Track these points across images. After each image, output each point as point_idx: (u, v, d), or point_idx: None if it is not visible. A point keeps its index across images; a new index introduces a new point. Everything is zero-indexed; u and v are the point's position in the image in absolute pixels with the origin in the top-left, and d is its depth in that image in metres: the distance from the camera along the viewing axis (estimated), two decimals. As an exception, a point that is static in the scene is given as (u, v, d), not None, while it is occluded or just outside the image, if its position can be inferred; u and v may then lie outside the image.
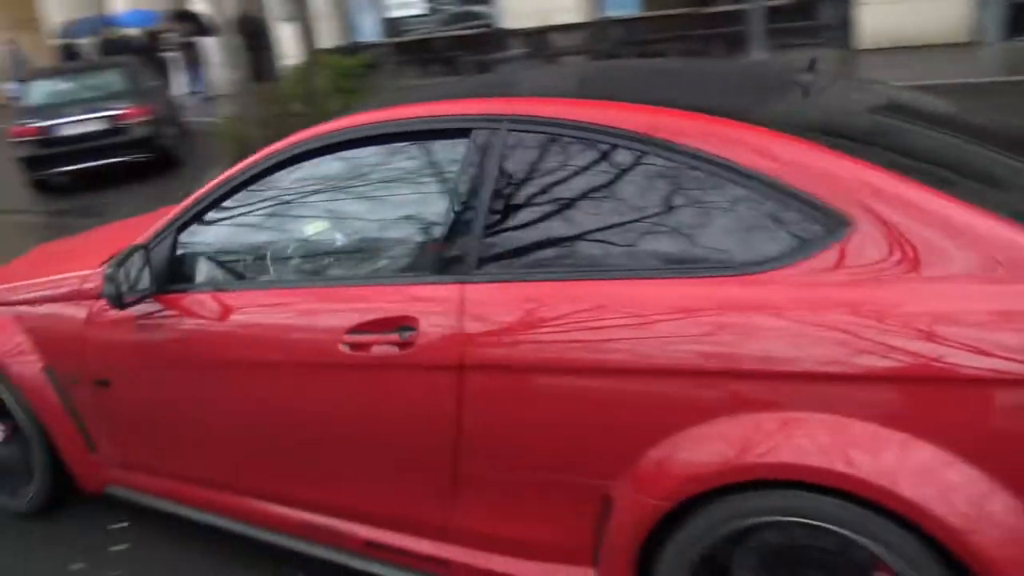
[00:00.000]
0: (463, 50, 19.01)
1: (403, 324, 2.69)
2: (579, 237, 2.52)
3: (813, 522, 2.18)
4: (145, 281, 3.18)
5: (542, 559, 2.63)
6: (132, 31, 22.66)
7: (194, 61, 22.29)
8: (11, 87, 28.37)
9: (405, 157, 2.89)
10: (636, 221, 2.46)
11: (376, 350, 2.72)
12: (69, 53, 22.40)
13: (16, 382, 3.78)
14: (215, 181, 3.20)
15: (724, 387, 2.24)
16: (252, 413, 3.07)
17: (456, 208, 2.69)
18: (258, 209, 3.15)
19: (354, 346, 2.75)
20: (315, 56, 12.84)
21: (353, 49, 18.34)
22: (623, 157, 2.51)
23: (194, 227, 3.25)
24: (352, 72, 14.17)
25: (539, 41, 18.53)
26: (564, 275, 2.50)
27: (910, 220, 2.17)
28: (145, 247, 3.22)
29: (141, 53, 21.87)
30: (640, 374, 2.34)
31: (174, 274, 3.24)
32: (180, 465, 3.42)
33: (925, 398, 2.07)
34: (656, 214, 2.44)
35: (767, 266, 2.29)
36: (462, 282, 2.63)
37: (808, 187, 2.28)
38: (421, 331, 2.65)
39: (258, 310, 3.00)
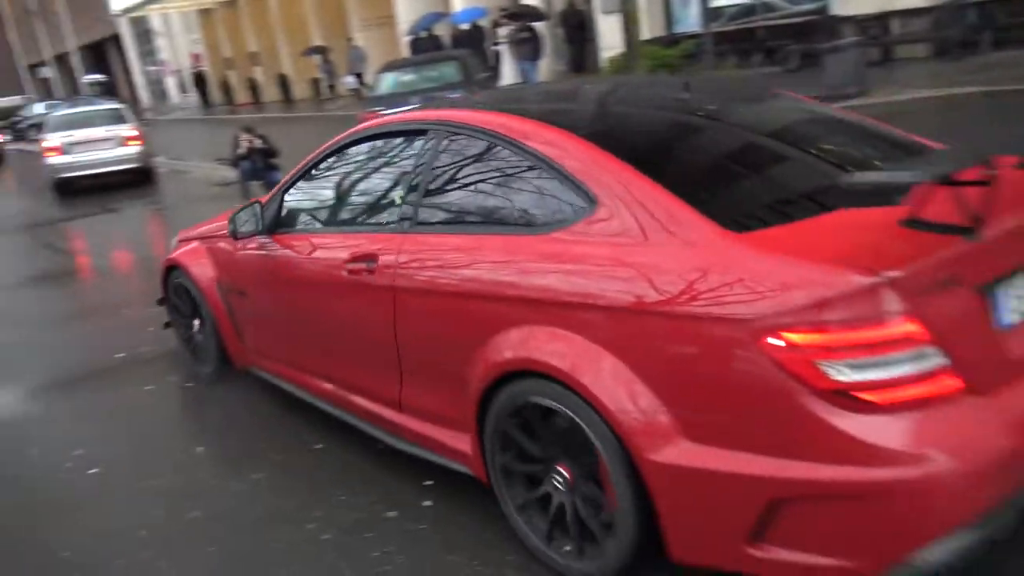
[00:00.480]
0: (790, 39, 18.35)
1: (370, 258, 4.13)
2: (459, 204, 3.86)
3: (551, 403, 3.35)
4: (253, 225, 4.95)
5: (448, 428, 3.91)
6: (465, 26, 23.63)
7: (525, 53, 22.95)
8: (349, 80, 30.49)
9: (391, 149, 4.37)
10: (492, 194, 3.73)
11: (357, 275, 4.18)
12: (417, 47, 23.64)
13: (202, 288, 5.73)
14: (303, 163, 4.85)
15: (518, 308, 3.43)
16: (304, 312, 4.65)
17: (409, 184, 4.11)
18: (316, 180, 4.82)
19: (348, 272, 4.24)
20: (635, 47, 12.87)
21: (673, 40, 18.17)
22: (489, 150, 3.80)
23: (292, 190, 4.92)
24: (671, 62, 14.10)
25: (877, 28, 17.52)
26: (449, 229, 3.84)
27: (638, 204, 3.23)
28: (259, 202, 5.04)
29: (475, 46, 22.82)
30: (476, 297, 3.59)
31: (280, 221, 4.92)
32: (274, 351, 5.19)
33: (617, 323, 3.14)
34: (504, 189, 3.70)
35: (553, 227, 3.45)
36: (403, 232, 4.05)
37: (579, 175, 3.42)
38: (378, 263, 4.08)
39: (307, 246, 4.61)
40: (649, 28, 19.94)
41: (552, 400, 3.35)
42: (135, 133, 18.14)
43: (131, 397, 6.06)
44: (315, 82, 35.15)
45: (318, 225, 4.69)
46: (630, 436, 3.13)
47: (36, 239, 12.98)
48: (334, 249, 4.40)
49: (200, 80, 41.48)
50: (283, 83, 37.31)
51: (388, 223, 4.16)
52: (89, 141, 17.77)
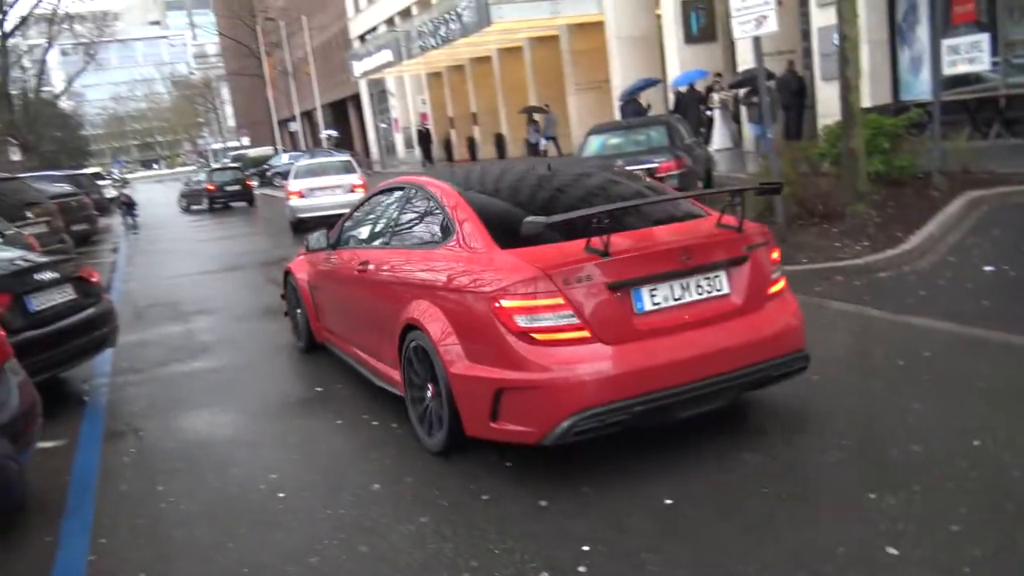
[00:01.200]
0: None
1: (365, 263, 6.89)
2: (404, 231, 6.59)
3: (421, 342, 5.85)
4: (323, 242, 7.94)
5: (393, 367, 6.45)
6: (682, 88, 23.61)
7: (744, 116, 22.65)
8: (543, 141, 30.97)
9: (388, 198, 7.19)
10: (417, 225, 6.44)
11: (361, 273, 6.91)
12: (627, 111, 23.81)
13: (299, 286, 8.64)
14: (356, 204, 7.85)
15: (413, 290, 5.99)
16: (342, 299, 7.50)
17: (388, 219, 6.97)
18: (357, 216, 7.69)
19: (358, 271, 6.99)
20: (855, 115, 12.44)
21: (900, 108, 17.30)
22: (424, 200, 6.48)
23: (347, 222, 7.79)
24: (893, 132, 13.54)
25: None
26: (397, 246, 6.55)
27: (465, 232, 5.81)
28: (327, 228, 8.33)
29: (689, 109, 22.75)
30: (400, 284, 6.19)
31: (337, 241, 7.76)
32: (330, 326, 8.03)
33: (442, 296, 5.70)
34: (425, 223, 6.33)
35: (436, 245, 6.03)
36: (377, 248, 6.85)
37: (450, 216, 6.02)
38: (368, 267, 6.81)
39: (344, 256, 7.45)
40: (872, 95, 19.27)
41: (421, 342, 5.89)
42: (360, 181, 20.51)
43: (324, 429, 6.49)
44: (528, 142, 36.01)
45: (351, 244, 7.55)
46: (445, 359, 5.63)
47: (266, 275, 14.01)
48: (355, 259, 7.21)
49: (424, 137, 43.08)
50: (499, 142, 38.37)
51: (375, 243, 7.06)
52: (323, 188, 20.37)
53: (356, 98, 59.14)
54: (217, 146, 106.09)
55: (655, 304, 5.47)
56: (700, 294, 5.63)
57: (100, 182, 39.68)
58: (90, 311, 7.98)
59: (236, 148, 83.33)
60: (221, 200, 33.40)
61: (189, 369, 8.53)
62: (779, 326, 5.77)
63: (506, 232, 5.67)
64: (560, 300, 5.25)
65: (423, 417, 6.06)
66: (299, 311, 8.79)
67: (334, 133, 55.16)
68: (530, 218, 5.40)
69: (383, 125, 55.63)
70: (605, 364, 5.22)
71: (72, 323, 7.70)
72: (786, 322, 5.83)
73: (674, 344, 5.40)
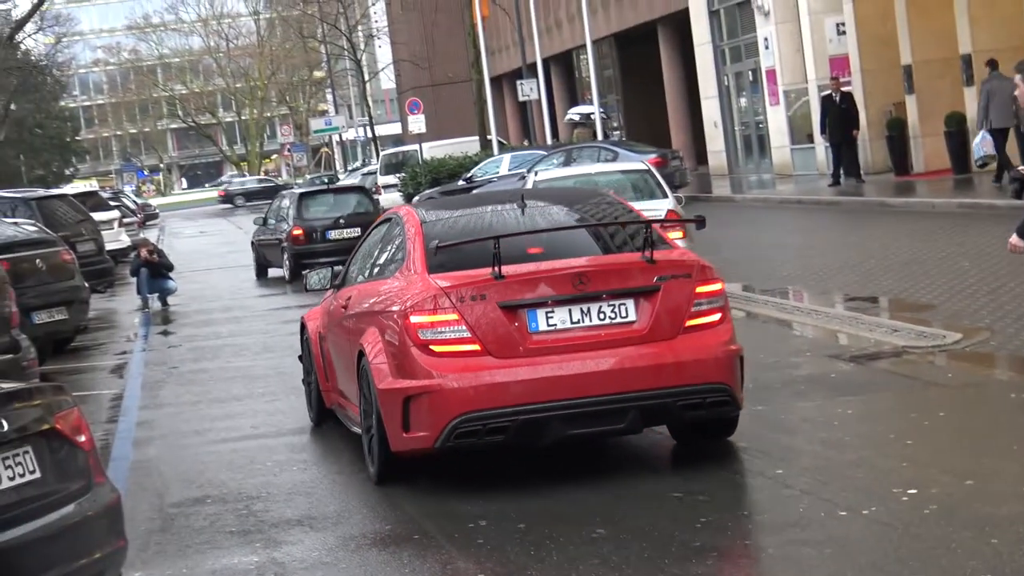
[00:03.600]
0: None
1: (348, 298, 7.48)
2: (374, 263, 7.56)
3: (364, 366, 6.73)
4: (326, 282, 8.36)
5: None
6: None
7: None
8: None
9: (383, 230, 7.75)
10: (384, 257, 7.35)
11: (343, 311, 7.49)
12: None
13: (311, 339, 8.57)
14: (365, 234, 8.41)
15: (365, 319, 6.89)
16: (335, 346, 7.82)
17: (374, 252, 7.70)
18: (360, 249, 8.16)
19: (342, 309, 7.53)
20: None
21: None
22: (394, 231, 7.35)
23: (354, 255, 8.18)
24: None
25: None
26: (367, 279, 7.43)
27: (410, 260, 6.74)
28: (332, 267, 9.05)
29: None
30: (357, 316, 7.10)
31: (344, 278, 8.02)
32: (341, 385, 7.79)
33: (379, 321, 6.66)
34: (388, 252, 7.28)
35: (391, 275, 6.94)
36: (360, 283, 7.57)
37: (408, 245, 6.89)
38: (350, 301, 7.42)
39: (341, 297, 7.72)
40: None
41: (365, 365, 6.69)
42: (673, 207, 13.45)
43: None
44: None
45: (349, 281, 7.85)
46: (375, 376, 6.46)
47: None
48: (344, 298, 7.61)
49: (842, 114, 23.91)
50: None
51: (359, 278, 7.65)
52: None
53: (669, 26, 35.39)
54: (351, 134, 70.77)
55: (551, 325, 6.22)
56: (603, 319, 6.25)
57: (102, 216, 24.52)
58: (66, 513, 4.10)
59: (396, 142, 55.97)
60: (320, 259, 17.83)
61: None
62: (690, 356, 6.19)
63: (445, 258, 6.53)
64: (455, 316, 6.17)
65: (370, 446, 6.69)
66: (313, 374, 8.43)
67: (591, 110, 33.55)
68: (432, 243, 6.62)
69: (738, 90, 32.28)
70: (489, 374, 6.09)
71: (26, 539, 3.86)
72: (702, 354, 6.20)
73: (564, 362, 6.11)
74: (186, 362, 12.76)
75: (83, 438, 4.35)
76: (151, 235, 32.42)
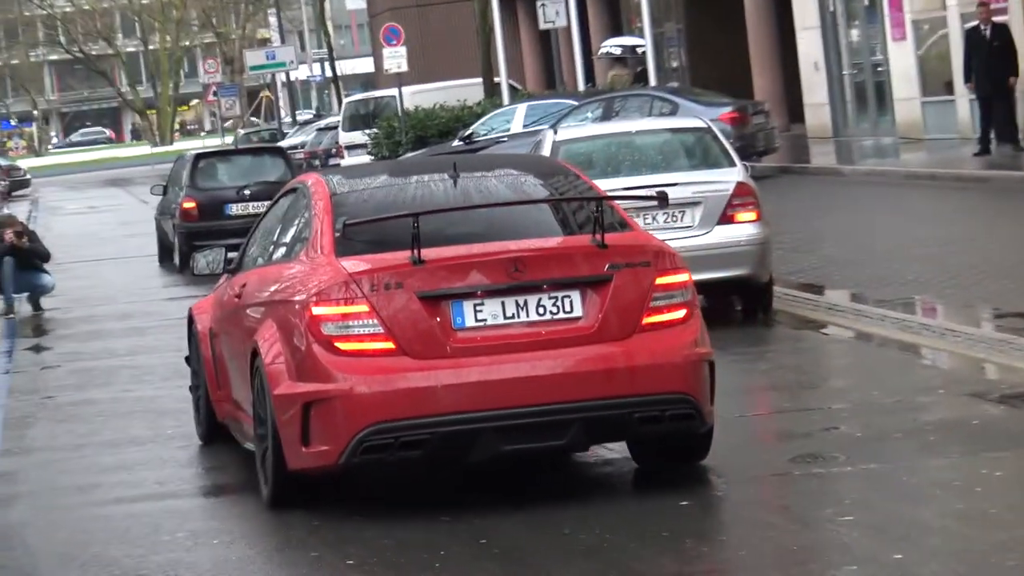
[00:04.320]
0: None
1: (243, 286, 8.58)
2: (274, 243, 8.59)
3: (259, 368, 7.71)
4: (217, 265, 9.62)
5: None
6: None
7: None
8: None
9: (286, 203, 8.79)
10: (287, 235, 8.38)
11: (236, 301, 8.56)
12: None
13: (199, 337, 9.62)
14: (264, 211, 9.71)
15: (262, 311, 7.90)
16: (227, 343, 8.88)
17: (275, 229, 8.81)
18: (260, 227, 9.30)
19: (236, 299, 8.60)
20: None
21: None
22: (299, 203, 8.32)
23: (253, 235, 9.28)
24: None
25: None
26: (266, 263, 8.49)
27: (316, 241, 7.59)
28: (226, 248, 12.00)
29: None
30: (251, 306, 8.16)
31: (240, 262, 9.08)
32: (234, 392, 8.68)
33: (278, 312, 7.58)
34: (292, 229, 8.29)
35: (293, 256, 7.93)
36: (259, 267, 8.64)
37: (314, 222, 7.81)
38: (245, 290, 8.52)
39: (236, 284, 8.79)
40: None
41: (260, 366, 7.50)
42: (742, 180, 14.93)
43: None
44: None
45: (248, 264, 9.05)
46: (271, 380, 7.27)
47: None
48: (237, 285, 8.75)
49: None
50: None
51: (259, 260, 8.72)
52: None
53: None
54: (303, 72, 75.47)
55: (479, 320, 7.00)
56: (542, 314, 7.01)
57: None
58: None
59: (365, 84, 60.32)
60: (218, 242, 18.99)
61: None
62: (646, 360, 6.96)
63: (354, 238, 7.33)
64: (364, 307, 6.95)
65: (263, 462, 7.58)
66: (202, 378, 9.44)
67: (638, 42, 35.69)
68: (339, 221, 7.38)
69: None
70: (404, 377, 6.90)
71: None
72: (661, 357, 7.01)
73: (495, 365, 6.90)
74: (66, 390, 12.76)
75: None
76: (19, 211, 32.30)
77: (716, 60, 38.46)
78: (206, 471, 9.18)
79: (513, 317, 7.00)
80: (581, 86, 35.09)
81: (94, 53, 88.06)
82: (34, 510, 8.59)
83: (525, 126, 26.99)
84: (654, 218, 12.29)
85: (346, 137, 36.65)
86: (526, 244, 7.19)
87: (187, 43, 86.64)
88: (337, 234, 7.35)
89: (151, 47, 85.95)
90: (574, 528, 6.78)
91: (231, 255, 9.87)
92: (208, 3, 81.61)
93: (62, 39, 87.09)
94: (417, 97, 36.11)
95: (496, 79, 35.69)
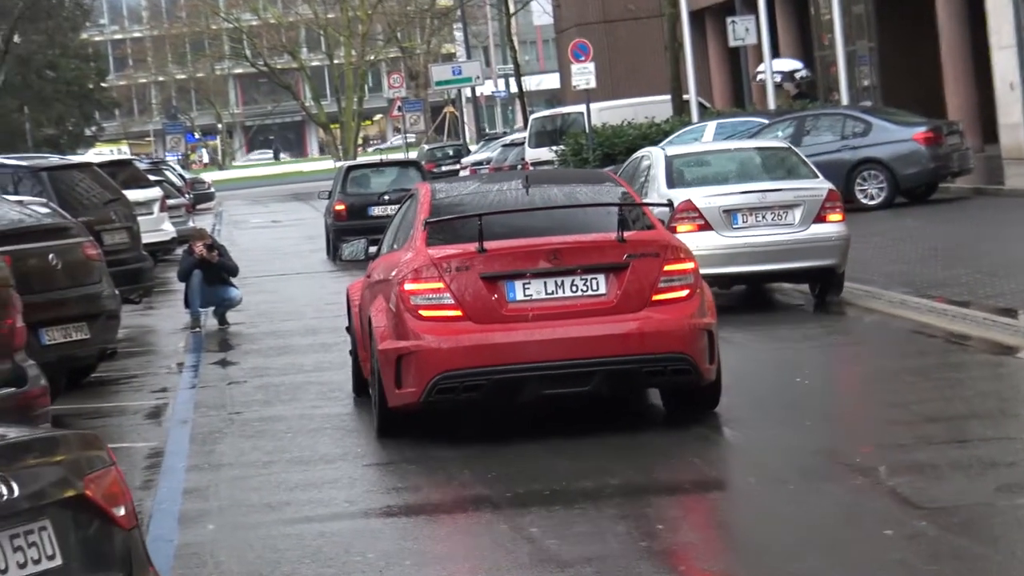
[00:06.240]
0: None
1: (372, 271, 11.99)
2: (396, 235, 11.78)
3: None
4: (361, 252, 13.44)
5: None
6: None
7: None
8: None
9: (408, 201, 12.15)
10: (403, 228, 11.47)
11: (367, 282, 12.05)
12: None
13: (352, 310, 12.54)
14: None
15: (375, 289, 11.17)
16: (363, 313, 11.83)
17: (399, 223, 12.00)
18: (394, 223, 12.38)
19: (367, 278, 12.11)
20: None
21: None
22: (412, 203, 11.69)
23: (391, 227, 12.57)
24: None
25: None
26: (389, 251, 11.78)
27: (412, 236, 10.68)
28: (367, 239, 13.93)
29: None
30: (370, 287, 11.55)
31: (377, 253, 12.22)
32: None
33: (383, 290, 10.68)
34: (407, 223, 11.36)
35: (402, 246, 11.16)
36: (384, 254, 12.02)
37: (417, 218, 11.06)
38: (372, 274, 12.03)
39: (371, 267, 12.26)
40: None
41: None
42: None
43: None
44: None
45: (384, 251, 11.93)
46: (376, 338, 10.25)
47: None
48: (372, 271, 11.91)
49: None
50: None
51: (385, 250, 11.75)
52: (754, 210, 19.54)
53: None
54: (488, 88, 76.14)
55: (527, 295, 9.76)
56: (575, 291, 9.76)
57: (139, 195, 24.88)
58: None
59: (551, 101, 60.20)
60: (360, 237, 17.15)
61: None
62: (654, 327, 9.66)
63: (442, 232, 10.27)
64: (440, 284, 9.70)
65: (374, 401, 10.50)
66: (354, 344, 12.22)
67: (796, 67, 37.77)
68: (426, 218, 10.36)
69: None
70: (467, 337, 9.63)
71: None
72: (665, 325, 9.69)
73: (536, 328, 9.64)
74: (253, 406, 13.05)
75: (122, 511, 4.25)
76: (203, 224, 32.65)
77: (909, 79, 38.25)
78: (397, 491, 9.31)
79: (553, 293, 9.79)
80: (771, 103, 34.69)
81: (279, 67, 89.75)
82: (224, 527, 8.72)
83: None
84: (763, 216, 15.70)
85: (532, 153, 36.84)
86: (564, 239, 10.02)
87: (372, 57, 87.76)
88: (424, 229, 10.17)
89: (336, 61, 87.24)
90: None
91: (372, 249, 12.65)
92: (394, 18, 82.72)
93: (247, 52, 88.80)
94: (604, 114, 36.10)
95: (685, 96, 35.51)
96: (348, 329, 12.68)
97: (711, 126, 29.08)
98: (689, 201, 15.34)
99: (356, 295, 12.14)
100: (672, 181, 16.43)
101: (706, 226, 15.48)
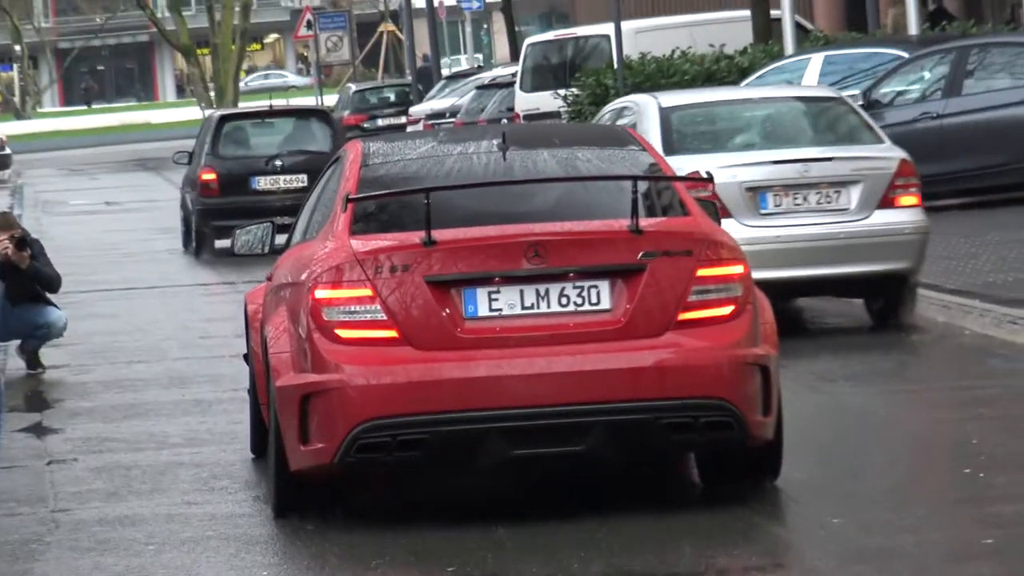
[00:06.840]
0: None
1: (276, 268, 13.04)
2: (310, 219, 12.60)
3: None
4: (262, 243, 14.42)
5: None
6: None
7: None
8: None
9: (330, 172, 12.79)
10: (321, 209, 12.07)
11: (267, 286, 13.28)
12: None
13: (250, 324, 13.97)
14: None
15: (276, 294, 11.98)
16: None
17: (316, 202, 13.02)
18: (309, 202, 13.53)
19: (269, 280, 13.19)
20: None
21: None
22: (337, 173, 12.20)
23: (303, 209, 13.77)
24: None
25: None
26: (301, 240, 12.59)
27: (338, 216, 10.96)
28: (272, 223, 15.34)
29: None
30: (276, 288, 12.13)
31: (286, 244, 13.25)
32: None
33: (286, 296, 11.43)
34: (328, 202, 11.82)
35: (316, 234, 11.75)
36: (295, 244, 13.15)
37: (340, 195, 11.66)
38: (274, 275, 13.30)
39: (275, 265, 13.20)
40: None
41: None
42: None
43: None
44: None
45: (294, 241, 12.71)
46: (273, 370, 10.61)
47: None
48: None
49: None
50: None
51: (297, 238, 12.55)
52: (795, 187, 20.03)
53: None
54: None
55: (494, 310, 9.76)
56: (565, 305, 9.72)
57: None
58: None
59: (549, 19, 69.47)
60: (238, 221, 22.27)
61: None
62: (679, 360, 9.54)
63: (373, 214, 10.43)
64: (368, 291, 9.80)
65: (270, 467, 10.89)
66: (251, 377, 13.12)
67: None
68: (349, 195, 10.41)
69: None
70: (405, 369, 9.70)
71: None
72: (696, 358, 9.59)
73: (507, 359, 9.64)
74: (91, 499, 13.06)
75: None
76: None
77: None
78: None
79: (532, 307, 9.81)
80: (913, 29, 34.92)
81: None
82: None
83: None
84: (805, 198, 16.59)
85: (526, 100, 36.91)
86: (551, 227, 9.98)
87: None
88: (347, 210, 10.36)
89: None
90: None
91: (280, 238, 13.64)
92: None
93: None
94: (643, 38, 36.20)
95: (774, 12, 35.62)
96: (246, 358, 13.39)
97: (816, 60, 29.43)
98: (696, 174, 15.06)
99: (256, 307, 12.72)
100: (671, 145, 16.72)
101: (721, 211, 14.41)
